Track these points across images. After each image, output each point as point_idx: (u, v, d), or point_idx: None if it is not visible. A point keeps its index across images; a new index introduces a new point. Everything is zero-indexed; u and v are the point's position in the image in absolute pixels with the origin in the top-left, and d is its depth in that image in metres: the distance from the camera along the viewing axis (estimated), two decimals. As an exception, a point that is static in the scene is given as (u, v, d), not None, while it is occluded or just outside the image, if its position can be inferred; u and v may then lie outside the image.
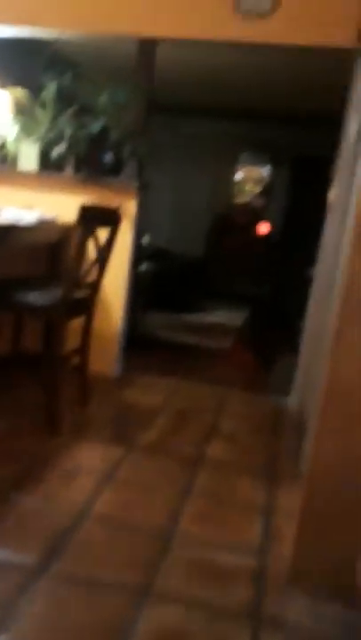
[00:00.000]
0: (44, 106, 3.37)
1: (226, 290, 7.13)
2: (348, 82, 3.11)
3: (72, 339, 2.98)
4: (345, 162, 3.00)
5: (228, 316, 6.11)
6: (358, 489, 1.66)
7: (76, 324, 2.98)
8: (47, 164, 3.41)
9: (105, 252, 2.92)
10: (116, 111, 3.28)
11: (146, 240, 5.54)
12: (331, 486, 1.69)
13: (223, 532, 2.04)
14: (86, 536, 1.91)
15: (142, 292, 4.85)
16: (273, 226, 7.70)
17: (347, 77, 3.09)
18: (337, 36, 3.05)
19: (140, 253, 4.48)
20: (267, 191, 7.91)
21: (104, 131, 3.31)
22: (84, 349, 3.05)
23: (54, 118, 3.36)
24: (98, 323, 3.21)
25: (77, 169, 3.47)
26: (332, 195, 3.22)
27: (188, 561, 1.85)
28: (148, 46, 3.36)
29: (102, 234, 2.85)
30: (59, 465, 2.38)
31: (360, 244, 1.57)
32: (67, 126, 3.34)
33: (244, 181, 8.01)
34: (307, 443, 2.36)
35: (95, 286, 2.97)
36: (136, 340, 4.15)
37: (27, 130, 3.40)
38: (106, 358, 3.55)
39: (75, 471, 2.37)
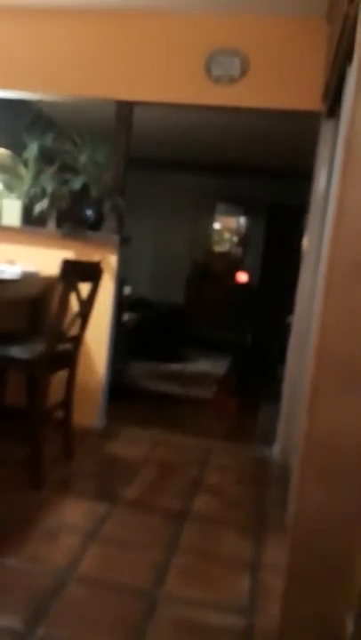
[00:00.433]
0: (26, 164, 3.46)
1: (208, 338, 7.18)
2: (315, 140, 3.26)
3: (56, 392, 2.97)
4: (316, 213, 3.12)
5: (210, 365, 6.13)
6: (343, 542, 1.66)
7: (60, 377, 2.99)
8: (30, 219, 3.48)
9: (87, 306, 2.96)
10: (95, 169, 3.38)
11: (128, 291, 5.60)
12: (315, 540, 1.68)
13: (210, 589, 2.01)
14: (71, 597, 1.87)
15: (125, 342, 4.87)
16: (251, 274, 7.86)
17: (315, 135, 3.25)
18: (303, 100, 3.25)
19: (122, 304, 4.53)
20: (244, 241, 8.11)
21: (85, 187, 3.40)
22: (67, 403, 3.04)
23: (37, 176, 3.45)
24: (81, 375, 3.22)
25: (59, 224, 3.54)
26: (306, 243, 3.32)
27: (174, 621, 1.81)
28: (125, 108, 3.52)
29: (84, 287, 2.89)
30: (42, 523, 2.34)
31: (331, 295, 1.62)
32: (49, 183, 3.42)
33: (221, 231, 8.21)
34: (290, 495, 2.35)
35: (78, 339, 2.99)
36: (120, 391, 4.14)
37: (10, 187, 3.48)
38: (89, 411, 3.54)
39: (59, 529, 2.33)
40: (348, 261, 1.60)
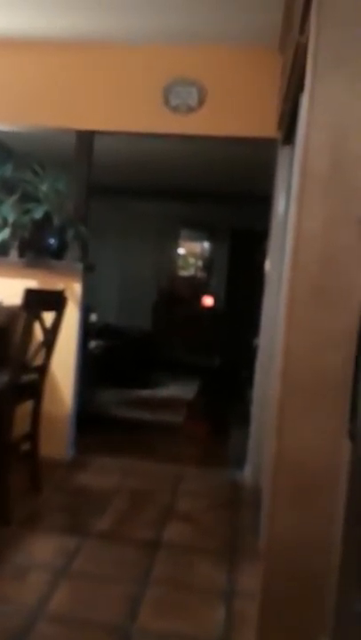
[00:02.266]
0: (-14, 194, 3.43)
1: (176, 362, 7.17)
2: (273, 166, 3.34)
3: (21, 423, 2.91)
4: (276, 237, 3.17)
5: (179, 389, 6.11)
6: (316, 563, 1.65)
7: (25, 408, 2.93)
8: (-9, 249, 3.44)
9: (52, 335, 2.92)
10: (57, 198, 3.38)
11: (94, 318, 5.57)
12: (288, 563, 1.67)
13: (185, 620, 1.97)
14: (42, 637, 1.80)
15: (93, 370, 4.82)
16: (216, 298, 7.93)
17: (273, 162, 3.32)
18: (259, 127, 3.34)
19: (88, 332, 4.49)
20: (208, 265, 8.20)
21: (47, 216, 3.39)
22: (33, 434, 2.98)
23: (-3, 206, 3.42)
24: (47, 405, 3.16)
25: (22, 253, 3.51)
26: (268, 267, 3.36)
27: (149, 657, 1.77)
28: (85, 137, 3.54)
29: (49, 316, 2.86)
30: (10, 560, 2.27)
31: (293, 319, 1.64)
32: (10, 213, 3.40)
33: (186, 257, 8.29)
34: (262, 520, 2.34)
35: (43, 369, 2.95)
36: (88, 420, 4.08)
37: (-30, 218, 3.44)
38: (57, 441, 3.47)
39: (27, 566, 2.26)
40: (307, 285, 1.62)
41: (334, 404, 1.60)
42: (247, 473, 3.47)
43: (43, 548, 2.45)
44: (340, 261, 1.60)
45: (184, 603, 2.09)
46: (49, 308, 2.88)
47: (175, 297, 7.99)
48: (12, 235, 3.44)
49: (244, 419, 3.84)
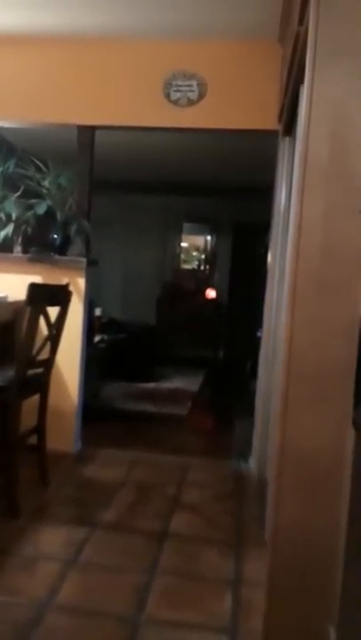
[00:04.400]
0: (-11, 191, 3.45)
1: (180, 355, 7.19)
2: (274, 158, 3.34)
3: (28, 418, 2.94)
4: (278, 228, 3.17)
5: (184, 382, 6.13)
6: (322, 553, 1.67)
7: (32, 402, 2.95)
8: (-5, 245, 3.46)
9: (56, 329, 2.94)
10: (60, 193, 3.39)
11: (98, 312, 5.58)
12: (294, 553, 1.69)
13: (192, 610, 2.00)
14: (52, 628, 1.83)
15: (98, 364, 4.84)
16: (220, 290, 7.95)
17: (274, 154, 3.32)
18: (259, 120, 3.35)
19: (92, 326, 4.51)
20: (211, 258, 8.21)
21: (50, 211, 3.40)
22: (40, 428, 3.01)
23: (0, 202, 3.44)
24: (54, 399, 3.19)
25: (26, 249, 3.52)
26: (270, 259, 3.37)
27: (158, 644, 1.79)
28: (87, 132, 3.55)
29: (53, 311, 2.88)
30: (19, 552, 2.30)
31: (296, 310, 1.65)
32: (13, 209, 3.41)
33: (189, 250, 8.30)
34: (268, 510, 2.36)
35: (48, 363, 2.97)
36: (94, 413, 4.11)
37: (-26, 214, 3.46)
38: (64, 434, 3.50)
39: (36, 558, 2.29)
40: (309, 276, 1.63)
41: (338, 393, 1.61)
42: (252, 464, 3.49)
43: (51, 540, 2.48)
44: (341, 252, 1.61)
45: (191, 592, 2.12)
46: (53, 303, 2.90)
47: (179, 290, 8.00)
48: (16, 230, 3.46)
49: (248, 410, 3.86)
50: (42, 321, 2.78)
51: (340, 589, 1.59)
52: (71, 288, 3.07)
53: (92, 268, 3.55)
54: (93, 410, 4.13)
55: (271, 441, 2.59)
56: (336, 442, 1.63)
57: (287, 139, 3.01)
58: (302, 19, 1.94)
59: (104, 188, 5.27)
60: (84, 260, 3.44)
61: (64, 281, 3.26)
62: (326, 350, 1.64)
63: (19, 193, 3.46)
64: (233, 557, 2.38)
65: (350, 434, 1.55)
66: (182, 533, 2.59)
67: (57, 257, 3.45)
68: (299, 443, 1.66)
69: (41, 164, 3.43)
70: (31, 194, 3.45)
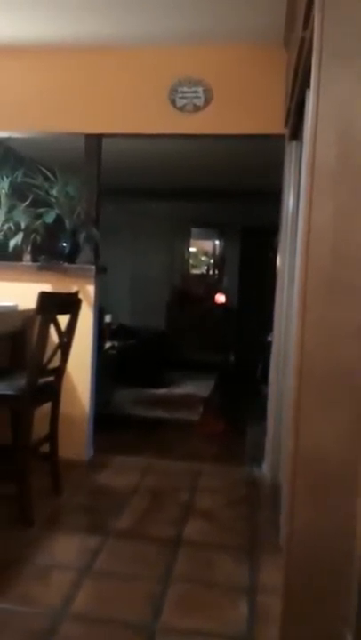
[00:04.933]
0: (-2, 201, 3.47)
1: (191, 361, 7.19)
2: (281, 161, 3.34)
3: (40, 426, 2.95)
4: (286, 232, 3.17)
5: (195, 387, 6.12)
6: (337, 557, 1.65)
7: (44, 410, 2.96)
8: (5, 254, 3.47)
9: (67, 337, 2.95)
10: (68, 201, 3.41)
11: (108, 319, 5.60)
12: (310, 558, 1.68)
13: (208, 617, 1.98)
14: (67, 637, 1.83)
15: (109, 370, 4.85)
16: (229, 295, 7.94)
17: (281, 158, 3.32)
18: (266, 124, 3.35)
19: (103, 333, 4.52)
20: (220, 263, 8.21)
21: (59, 220, 3.42)
22: (53, 436, 3.01)
23: (10, 211, 3.46)
24: (65, 407, 3.19)
25: (35, 258, 3.54)
26: (279, 263, 3.36)
27: (173, 653, 1.78)
28: (93, 140, 3.57)
29: (64, 319, 2.89)
30: (33, 561, 2.30)
31: (306, 313, 1.64)
32: (22, 218, 3.43)
33: (198, 255, 8.31)
34: (282, 515, 2.35)
35: (60, 371, 2.97)
36: (106, 420, 4.11)
37: (-17, 224, 3.48)
38: (76, 442, 3.50)
39: (50, 567, 2.29)
40: (319, 279, 1.63)
41: (351, 395, 1.60)
42: (265, 469, 3.47)
43: (65, 549, 2.48)
44: (351, 254, 1.60)
45: (207, 600, 2.10)
46: (63, 311, 2.91)
47: (188, 296, 8.00)
48: (25, 239, 3.48)
49: (260, 415, 3.85)
50: (52, 329, 2.79)
51: (356, 595, 1.57)
52: (81, 296, 3.08)
53: (102, 275, 3.56)
54: (105, 417, 4.13)
55: (284, 445, 2.58)
56: (349, 444, 1.61)
57: (294, 143, 3.01)
58: (307, 23, 1.94)
59: (112, 196, 5.29)
60: (93, 267, 3.45)
61: (74, 289, 3.27)
62: (338, 353, 1.63)
63: (27, 202, 3.48)
64: (247, 564, 2.37)
65: (364, 438, 1.54)
66: (196, 540, 2.58)
67: (66, 265, 3.47)
68: (311, 447, 1.65)
69: (49, 173, 3.45)
70: (40, 203, 3.47)
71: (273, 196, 3.63)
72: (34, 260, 3.55)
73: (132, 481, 3.25)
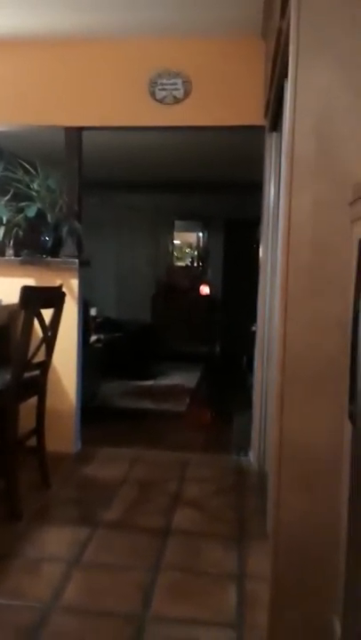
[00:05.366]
0: (-22, 195, 3.45)
1: (177, 352, 7.21)
2: (262, 153, 3.34)
3: (27, 420, 2.95)
4: (268, 223, 3.18)
5: (181, 378, 6.14)
6: (324, 545, 1.68)
7: (30, 405, 2.96)
8: (-13, 250, 3.45)
9: (52, 331, 2.94)
10: (49, 195, 3.39)
11: (94, 312, 5.59)
12: (297, 546, 1.70)
13: (198, 605, 2.01)
14: (58, 629, 1.84)
15: (95, 363, 4.85)
16: (213, 286, 7.97)
17: (261, 149, 3.33)
18: (245, 116, 3.36)
19: (88, 326, 4.51)
20: (204, 254, 8.23)
21: (41, 214, 3.40)
22: (39, 430, 3.01)
23: (-10, 206, 3.43)
24: (52, 401, 3.19)
25: (17, 252, 3.52)
26: (262, 254, 3.38)
27: (164, 641, 1.81)
28: (74, 133, 3.55)
29: (48, 313, 2.88)
30: (22, 554, 2.31)
31: (288, 305, 1.66)
32: (3, 212, 3.41)
33: (182, 247, 8.32)
34: (269, 503, 2.37)
35: (45, 366, 2.97)
36: (93, 413, 4.12)
37: (-36, 219, 3.46)
38: (64, 435, 3.51)
39: (40, 560, 2.30)
40: (300, 271, 1.64)
41: (334, 387, 1.62)
42: (252, 457, 3.51)
43: (54, 541, 2.49)
44: (331, 244, 1.61)
45: (196, 588, 2.13)
46: (47, 305, 2.90)
47: (173, 288, 8.01)
48: (7, 234, 3.46)
49: (246, 404, 3.87)
50: (37, 323, 2.78)
51: (343, 581, 1.60)
52: (65, 289, 3.07)
53: (86, 269, 3.55)
54: (92, 409, 4.13)
55: (270, 434, 2.61)
56: (333, 435, 1.64)
57: (274, 134, 3.02)
58: (284, 12, 1.94)
59: (95, 189, 5.27)
60: (77, 260, 3.44)
61: (57, 283, 3.26)
62: (320, 343, 1.64)
63: (8, 196, 3.46)
64: (236, 551, 2.40)
65: (347, 427, 1.56)
66: (185, 529, 2.60)
67: (49, 259, 3.45)
68: (296, 437, 1.67)
69: (29, 167, 3.43)
70: (21, 197, 3.44)
71: (256, 188, 3.64)
72: (16, 254, 3.53)
73: (121, 472, 3.27)
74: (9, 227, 3.44)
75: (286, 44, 1.85)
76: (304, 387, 1.66)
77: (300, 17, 1.64)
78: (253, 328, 3.76)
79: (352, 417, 1.47)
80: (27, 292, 2.67)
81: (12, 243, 3.52)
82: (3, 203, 3.44)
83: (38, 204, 3.39)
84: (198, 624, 1.90)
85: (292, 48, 1.67)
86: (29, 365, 2.81)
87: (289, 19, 1.76)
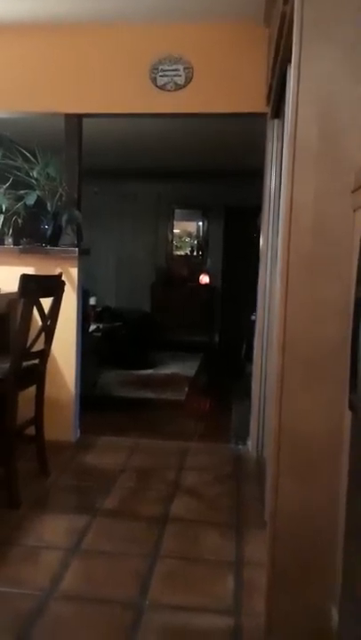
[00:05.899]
0: (-23, 183, 3.42)
1: (176, 341, 7.21)
2: (263, 140, 3.32)
3: (27, 409, 2.94)
4: (269, 211, 3.16)
5: (180, 367, 6.14)
6: (322, 532, 1.69)
7: (30, 393, 2.96)
8: (-14, 238, 3.44)
9: (51, 320, 2.94)
10: (49, 183, 3.37)
11: (93, 301, 5.58)
12: (295, 533, 1.71)
13: (195, 592, 2.02)
14: (56, 617, 1.85)
15: (94, 352, 4.85)
16: (213, 275, 7.96)
17: (263, 136, 3.30)
18: (247, 102, 3.32)
19: (87, 315, 4.51)
20: (204, 243, 8.21)
21: (40, 202, 3.38)
22: (38, 418, 3.01)
23: (-11, 194, 3.41)
24: (51, 390, 3.19)
25: (17, 241, 3.50)
26: (262, 242, 3.36)
27: (162, 628, 1.81)
28: (74, 121, 3.52)
29: (47, 302, 2.87)
30: (21, 542, 2.32)
31: (289, 292, 1.65)
32: (2, 201, 3.39)
33: (181, 236, 8.29)
34: (267, 491, 2.38)
35: (44, 354, 2.96)
36: (92, 401, 4.12)
37: None
38: (63, 424, 3.51)
39: (38, 548, 2.31)
40: (301, 258, 1.63)
41: (334, 374, 1.62)
42: (250, 446, 3.51)
43: (53, 529, 2.50)
44: (332, 231, 1.60)
45: (194, 575, 2.14)
46: (47, 294, 2.89)
47: (172, 277, 8.00)
48: (6, 222, 3.44)
49: (245, 393, 3.88)
50: (36, 312, 2.77)
51: (340, 568, 1.61)
52: (64, 278, 3.06)
53: (85, 258, 3.54)
54: (91, 398, 4.13)
55: (268, 422, 2.61)
56: (332, 423, 1.64)
57: (276, 121, 2.99)
58: (287, -2, 1.91)
59: (95, 177, 5.24)
60: (76, 249, 3.43)
61: (57, 271, 3.24)
62: (320, 331, 1.64)
63: (7, 184, 3.43)
64: (234, 539, 2.40)
65: (347, 415, 1.56)
66: (183, 517, 2.61)
67: (49, 247, 3.44)
68: (295, 425, 1.67)
69: (29, 155, 3.40)
70: (20, 185, 3.42)
71: (256, 176, 3.62)
72: (16, 242, 3.51)
73: (119, 461, 3.27)
74: (8, 215, 3.41)
75: (290, 30, 1.83)
76: (303, 373, 1.66)
77: (303, 2, 1.62)
78: (253, 317, 3.75)
79: (352, 406, 1.46)
80: (26, 280, 2.66)
81: (11, 231, 3.50)
82: (2, 191, 3.42)
83: (38, 192, 3.37)
84: (196, 611, 1.91)
85: (295, 34, 1.65)
86: (28, 354, 2.81)
87: (293, 4, 1.74)
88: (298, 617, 1.72)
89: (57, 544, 2.33)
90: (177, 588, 2.03)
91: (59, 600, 1.93)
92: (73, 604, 1.92)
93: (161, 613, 1.89)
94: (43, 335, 2.90)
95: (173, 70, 3.34)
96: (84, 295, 3.73)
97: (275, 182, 3.04)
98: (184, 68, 3.34)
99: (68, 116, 3.51)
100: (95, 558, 2.23)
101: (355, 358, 1.49)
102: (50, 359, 3.05)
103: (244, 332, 4.83)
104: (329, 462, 1.65)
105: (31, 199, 3.34)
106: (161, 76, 3.35)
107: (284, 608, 1.73)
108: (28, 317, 2.70)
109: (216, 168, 6.74)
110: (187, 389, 5.20)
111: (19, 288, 2.63)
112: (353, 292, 1.49)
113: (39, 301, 2.77)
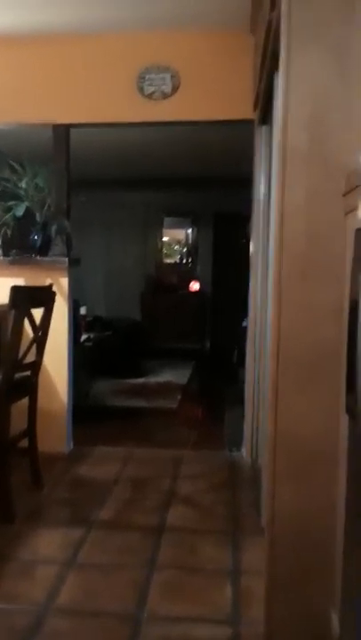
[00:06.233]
0: (-35, 194, 3.41)
1: (168, 349, 7.20)
2: (251, 147, 3.33)
3: (19, 421, 2.92)
4: (259, 218, 3.17)
5: (173, 375, 6.13)
6: (319, 537, 1.68)
7: (22, 405, 2.93)
8: (-25, 249, 3.42)
9: (42, 331, 2.92)
10: (38, 194, 3.36)
11: (83, 311, 5.56)
12: (292, 539, 1.69)
13: (193, 602, 1.99)
14: (53, 632, 1.82)
15: (86, 362, 4.82)
16: (203, 282, 7.97)
17: (250, 143, 3.32)
18: (235, 110, 3.35)
19: (78, 325, 4.49)
20: (193, 250, 8.22)
21: (29, 212, 3.37)
22: (31, 430, 2.99)
23: (-22, 205, 3.40)
24: (43, 401, 3.16)
25: (6, 252, 3.49)
26: (252, 248, 3.37)
27: None
28: (61, 131, 3.52)
29: (38, 313, 2.85)
30: (16, 556, 2.28)
31: (281, 298, 1.65)
32: (-9, 212, 3.38)
33: (171, 244, 8.30)
34: (263, 497, 2.37)
35: (36, 366, 2.94)
36: (85, 412, 4.09)
37: None
38: (55, 436, 3.48)
39: (34, 562, 2.28)
40: (294, 261, 1.63)
41: (329, 378, 1.61)
42: (245, 452, 3.50)
43: (48, 543, 2.47)
44: (325, 235, 1.61)
45: (192, 585, 2.12)
46: (37, 305, 2.87)
47: (162, 285, 8.00)
48: (-6, 233, 3.42)
49: (238, 399, 3.87)
50: (27, 323, 2.75)
51: (340, 573, 1.60)
52: (55, 289, 3.05)
53: (75, 268, 3.52)
54: (84, 409, 4.11)
55: (263, 428, 2.60)
56: (329, 427, 1.63)
57: (263, 127, 3.00)
58: (274, 5, 1.92)
59: (83, 187, 5.23)
60: (66, 259, 3.41)
61: (47, 282, 3.23)
62: (315, 335, 1.64)
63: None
64: (231, 547, 2.39)
65: (343, 419, 1.55)
66: (179, 526, 2.59)
67: (38, 258, 3.42)
68: (291, 429, 1.66)
69: (17, 166, 3.39)
70: (8, 196, 3.41)
71: (245, 183, 3.63)
72: (5, 254, 3.49)
73: (114, 471, 3.25)
74: (-3, 226, 3.41)
75: (276, 37, 1.84)
76: (298, 378, 1.65)
77: (291, 8, 1.62)
78: (244, 324, 3.75)
79: (349, 409, 1.46)
80: (16, 291, 2.64)
81: (0, 242, 3.49)
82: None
83: (26, 203, 3.36)
84: (194, 621, 1.89)
85: (283, 40, 1.65)
86: (20, 366, 2.78)
87: (279, 11, 1.75)
88: (298, 624, 1.71)
89: (52, 557, 2.30)
90: (175, 599, 2.01)
91: (55, 614, 1.90)
92: (70, 618, 1.89)
93: (159, 625, 1.86)
94: (34, 347, 2.88)
95: (160, 79, 3.35)
96: (74, 305, 3.71)
97: (264, 188, 3.05)
98: (171, 77, 3.36)
99: (56, 127, 3.51)
100: (91, 571, 2.21)
101: (351, 361, 1.48)
102: (41, 370, 3.02)
103: (236, 338, 4.83)
104: (326, 466, 1.65)
105: (20, 210, 3.34)
106: (148, 84, 3.37)
107: (284, 615, 1.72)
108: (19, 329, 2.68)
109: (204, 175, 6.77)
110: (179, 397, 5.19)
111: (9, 300, 2.62)
112: (347, 294, 1.49)
113: (30, 313, 2.75)
